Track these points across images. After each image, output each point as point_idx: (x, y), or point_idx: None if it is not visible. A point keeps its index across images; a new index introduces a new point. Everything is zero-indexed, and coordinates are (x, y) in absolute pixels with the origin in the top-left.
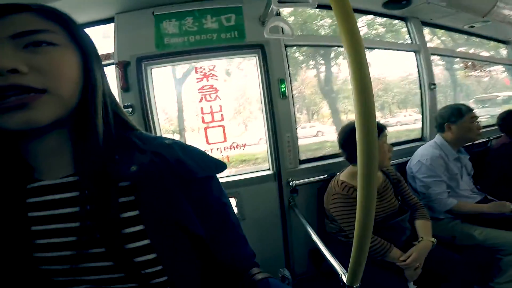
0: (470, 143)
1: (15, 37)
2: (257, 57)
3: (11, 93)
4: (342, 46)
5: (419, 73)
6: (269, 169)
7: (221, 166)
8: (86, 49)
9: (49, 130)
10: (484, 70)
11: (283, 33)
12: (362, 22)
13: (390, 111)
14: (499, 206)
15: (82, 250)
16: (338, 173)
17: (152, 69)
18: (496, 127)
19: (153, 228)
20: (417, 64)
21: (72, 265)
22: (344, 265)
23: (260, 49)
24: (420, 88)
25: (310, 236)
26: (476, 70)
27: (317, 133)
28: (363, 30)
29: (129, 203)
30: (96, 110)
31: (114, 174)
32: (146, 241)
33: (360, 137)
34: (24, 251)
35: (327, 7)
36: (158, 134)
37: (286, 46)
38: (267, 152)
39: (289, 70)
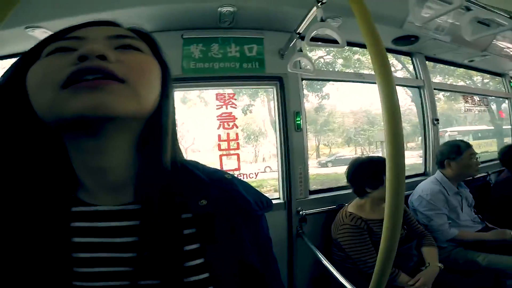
0: (470, 178)
1: (110, 38)
2: (274, 89)
3: (91, 76)
4: (353, 81)
5: (422, 109)
6: (279, 198)
7: (271, 204)
8: (165, 67)
9: (113, 133)
10: (482, 105)
11: (300, 67)
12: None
13: (376, 146)
14: (500, 234)
15: (136, 281)
16: (346, 204)
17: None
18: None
19: (214, 262)
20: (421, 100)
21: None
22: None
23: (278, 81)
24: (424, 124)
25: (316, 263)
26: (474, 104)
27: None
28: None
29: (190, 236)
30: (166, 125)
31: (181, 205)
32: (205, 275)
33: (390, 172)
34: (63, 278)
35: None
36: None
37: (302, 79)
38: (279, 182)
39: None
